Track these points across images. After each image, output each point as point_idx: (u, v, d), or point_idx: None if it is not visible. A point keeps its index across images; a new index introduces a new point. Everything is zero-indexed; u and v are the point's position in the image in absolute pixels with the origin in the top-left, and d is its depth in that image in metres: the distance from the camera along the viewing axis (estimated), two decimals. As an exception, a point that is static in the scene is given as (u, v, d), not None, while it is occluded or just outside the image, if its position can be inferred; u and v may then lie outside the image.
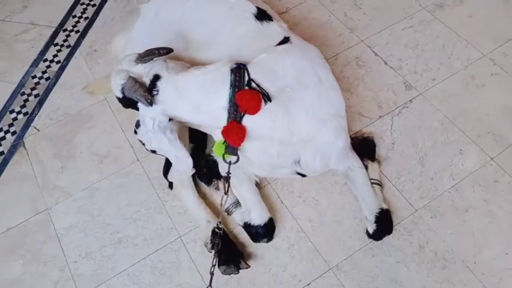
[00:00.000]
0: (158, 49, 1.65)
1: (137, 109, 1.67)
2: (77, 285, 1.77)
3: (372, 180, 1.85)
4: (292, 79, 1.65)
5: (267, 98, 1.58)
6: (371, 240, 1.78)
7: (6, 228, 1.92)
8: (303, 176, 1.81)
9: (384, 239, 1.77)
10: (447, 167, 1.96)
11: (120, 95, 1.64)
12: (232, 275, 1.72)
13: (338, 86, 1.74)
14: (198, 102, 1.62)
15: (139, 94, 1.57)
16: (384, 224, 1.74)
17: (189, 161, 1.67)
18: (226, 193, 1.67)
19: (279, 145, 1.65)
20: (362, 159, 1.88)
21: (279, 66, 1.67)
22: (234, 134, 1.58)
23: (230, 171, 1.65)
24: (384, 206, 1.79)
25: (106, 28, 2.61)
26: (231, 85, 1.58)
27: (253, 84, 1.59)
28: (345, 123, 1.75)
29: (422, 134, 2.06)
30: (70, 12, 2.71)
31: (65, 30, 2.62)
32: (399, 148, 2.02)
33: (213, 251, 1.73)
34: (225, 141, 1.61)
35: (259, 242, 1.80)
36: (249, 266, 1.72)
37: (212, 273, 1.57)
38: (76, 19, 2.67)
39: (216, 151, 1.65)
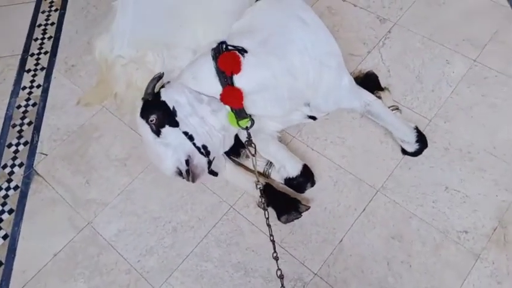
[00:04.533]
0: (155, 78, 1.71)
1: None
2: (149, 281, 1.77)
3: (390, 108, 2.00)
4: (274, 28, 1.74)
5: (242, 50, 1.66)
6: (403, 156, 1.94)
7: (52, 255, 1.86)
8: (314, 119, 1.92)
9: (413, 151, 1.94)
10: (441, 77, 2.16)
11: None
12: (294, 221, 1.80)
13: (324, 25, 1.84)
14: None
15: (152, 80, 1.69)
16: (423, 140, 1.90)
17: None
18: (253, 155, 1.73)
19: (288, 91, 1.73)
20: (372, 93, 2.00)
21: (256, 23, 1.77)
22: (231, 96, 1.65)
23: (251, 136, 1.72)
24: (413, 125, 1.94)
25: (74, 41, 2.55)
26: (213, 58, 1.67)
27: (229, 47, 1.68)
28: (342, 60, 1.87)
29: (409, 56, 2.25)
30: (30, 37, 2.61)
31: (32, 54, 2.52)
32: (395, 73, 2.20)
33: (267, 207, 1.81)
34: (232, 110, 1.69)
35: (305, 190, 1.88)
36: (309, 207, 1.81)
37: (269, 225, 1.63)
38: (39, 41, 2.58)
39: (231, 122, 1.72)
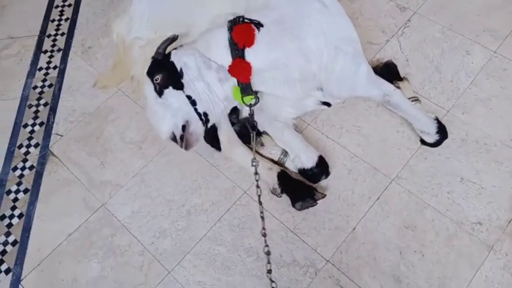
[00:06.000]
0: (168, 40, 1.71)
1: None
2: (162, 263, 1.78)
3: (410, 98, 1.97)
4: (292, 7, 1.72)
5: (258, 24, 1.65)
6: (419, 146, 1.93)
7: (67, 234, 1.89)
8: (329, 105, 1.91)
9: (429, 141, 1.92)
10: (460, 68, 2.13)
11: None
12: (309, 208, 1.80)
13: (344, 11, 1.82)
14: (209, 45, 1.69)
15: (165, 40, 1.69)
16: (443, 131, 1.88)
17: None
18: (253, 129, 1.72)
19: (299, 73, 1.71)
20: (392, 83, 1.97)
21: (273, 1, 1.74)
22: (240, 69, 1.64)
23: (253, 113, 1.71)
24: (433, 116, 1.91)
25: (91, 23, 2.55)
26: (228, 29, 1.66)
27: (245, 20, 1.66)
28: (360, 47, 1.84)
29: (428, 46, 2.22)
30: (47, 18, 2.61)
31: (49, 35, 2.53)
32: (414, 63, 2.17)
33: (282, 194, 1.85)
34: (238, 84, 1.67)
35: (319, 181, 1.87)
36: (324, 195, 1.81)
37: (260, 202, 1.59)
38: (56, 22, 2.58)
39: (235, 96, 1.71)
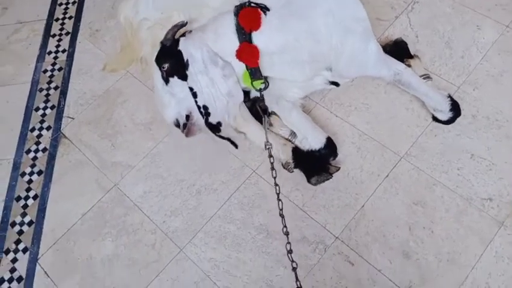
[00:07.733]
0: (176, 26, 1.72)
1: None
2: (174, 241, 1.82)
3: (421, 76, 1.94)
4: None
5: (265, 8, 1.64)
6: (429, 123, 1.92)
7: (81, 214, 1.93)
8: (337, 85, 1.90)
9: (439, 118, 1.91)
10: (471, 43, 2.10)
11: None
12: (319, 184, 1.81)
13: None
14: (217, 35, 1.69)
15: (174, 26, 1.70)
16: (457, 108, 1.86)
17: (241, 92, 1.74)
18: (264, 113, 1.75)
19: (308, 55, 1.69)
20: (402, 61, 1.96)
21: None
22: (247, 53, 1.65)
23: (263, 97, 1.74)
24: (445, 93, 1.89)
25: (98, 6, 2.55)
26: (235, 14, 1.66)
27: (252, 5, 1.66)
28: (369, 25, 1.82)
29: (439, 21, 2.18)
30: (54, 2, 2.62)
31: (57, 19, 2.54)
32: (424, 39, 2.14)
33: (293, 169, 1.86)
34: (247, 68, 1.67)
35: (327, 163, 1.86)
36: (339, 168, 1.81)
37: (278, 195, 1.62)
38: (64, 6, 2.59)
39: (245, 81, 1.72)
